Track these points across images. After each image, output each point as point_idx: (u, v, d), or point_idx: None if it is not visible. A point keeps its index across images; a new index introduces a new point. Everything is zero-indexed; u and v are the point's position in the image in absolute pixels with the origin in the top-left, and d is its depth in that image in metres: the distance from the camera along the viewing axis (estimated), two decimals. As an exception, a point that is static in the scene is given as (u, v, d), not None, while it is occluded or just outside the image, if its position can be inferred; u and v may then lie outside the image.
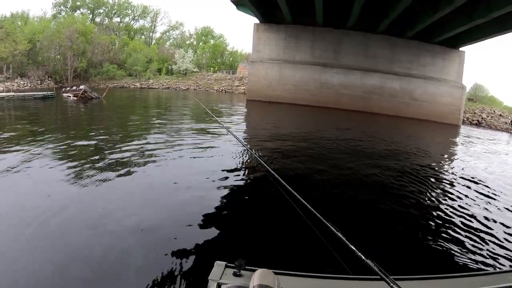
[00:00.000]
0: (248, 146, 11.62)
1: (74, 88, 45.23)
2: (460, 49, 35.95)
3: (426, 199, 8.96)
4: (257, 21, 38.46)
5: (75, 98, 38.98)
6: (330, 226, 3.51)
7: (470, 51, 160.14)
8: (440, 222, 7.41)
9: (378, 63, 35.30)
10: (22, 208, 6.92)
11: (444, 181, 11.41)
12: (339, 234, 3.40)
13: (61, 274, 4.84)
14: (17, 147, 12.96)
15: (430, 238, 6.64)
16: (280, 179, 5.38)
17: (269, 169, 6.05)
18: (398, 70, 35.11)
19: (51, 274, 4.86)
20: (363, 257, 2.91)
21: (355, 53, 35.73)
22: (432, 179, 11.17)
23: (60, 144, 14.17)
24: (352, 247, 3.15)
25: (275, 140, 15.94)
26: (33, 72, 68.03)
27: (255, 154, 8.43)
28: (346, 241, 3.28)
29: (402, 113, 34.49)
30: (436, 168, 13.40)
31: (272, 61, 37.95)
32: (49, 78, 69.05)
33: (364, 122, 28.64)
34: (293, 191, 4.82)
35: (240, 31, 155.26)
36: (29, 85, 65.08)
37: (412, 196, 8.97)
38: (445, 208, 8.24)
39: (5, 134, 16.54)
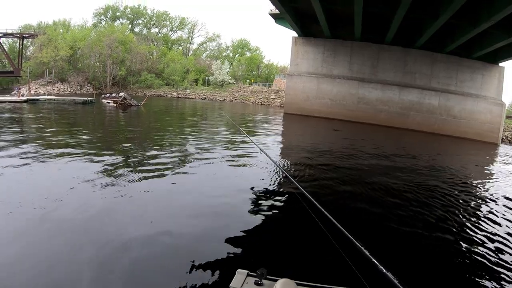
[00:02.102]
0: (280, 164, 12.21)
1: (114, 95, 46.54)
2: (500, 64, 35.01)
3: (455, 221, 8.89)
4: (295, 34, 38.85)
5: (115, 105, 40.04)
6: (354, 241, 3.49)
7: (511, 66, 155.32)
8: (469, 245, 7.40)
9: (416, 78, 34.97)
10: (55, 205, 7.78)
11: (478, 202, 11.32)
12: (359, 245, 3.41)
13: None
14: (61, 149, 14.17)
15: (458, 261, 6.74)
16: (305, 192, 5.43)
17: (296, 182, 6.17)
18: (437, 86, 34.61)
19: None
20: (385, 270, 2.94)
21: (393, 68, 35.53)
22: (466, 201, 11.02)
23: (98, 147, 15.39)
24: (374, 260, 3.13)
25: (311, 155, 16.21)
26: (73, 77, 70.83)
27: (285, 171, 8.63)
28: (367, 253, 3.27)
29: (440, 130, 33.95)
30: (472, 190, 13.20)
31: (310, 74, 38.27)
32: (88, 84, 71.78)
33: (401, 139, 28.76)
34: (315, 201, 4.89)
35: (277, 44, 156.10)
36: (69, 90, 67.69)
37: (443, 217, 8.97)
38: (477, 230, 8.21)
39: (47, 134, 17.85)
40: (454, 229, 8.23)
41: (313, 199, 4.99)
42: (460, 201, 10.84)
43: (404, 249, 6.93)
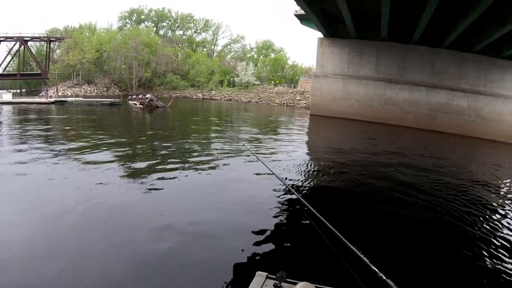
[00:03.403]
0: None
1: (140, 96, 47.52)
2: (531, 64, 34.09)
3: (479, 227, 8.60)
4: (320, 35, 38.88)
5: (141, 106, 40.81)
6: (354, 248, 3.60)
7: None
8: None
9: (444, 79, 34.38)
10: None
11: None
12: (358, 252, 3.52)
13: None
14: (89, 149, 14.71)
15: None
16: (305, 202, 5.64)
17: (300, 198, 6.24)
18: (465, 86, 33.87)
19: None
20: (389, 281, 2.96)
21: (420, 68, 35.05)
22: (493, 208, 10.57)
23: (126, 147, 15.98)
24: (372, 266, 3.23)
25: (340, 159, 16.41)
26: (99, 79, 72.45)
27: (293, 190, 8.79)
28: (367, 260, 3.37)
29: (469, 132, 33.12)
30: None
31: (336, 76, 38.29)
32: (115, 86, 73.24)
33: (429, 142, 28.55)
34: (318, 215, 4.91)
35: (301, 45, 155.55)
36: (96, 92, 69.31)
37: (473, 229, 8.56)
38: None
39: (76, 135, 18.45)
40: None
41: (316, 213, 5.07)
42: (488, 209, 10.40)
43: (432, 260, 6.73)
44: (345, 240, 3.93)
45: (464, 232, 8.43)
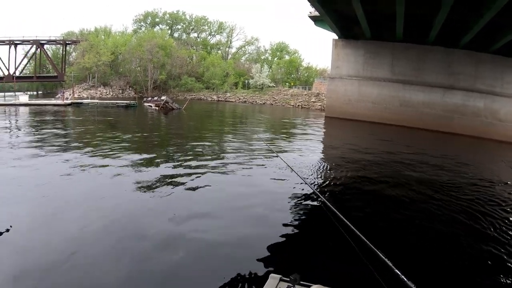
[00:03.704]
0: (309, 180, 12.32)
1: (155, 98, 47.84)
2: (549, 65, 33.55)
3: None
4: (335, 36, 38.83)
5: (157, 108, 41.02)
6: (376, 250, 3.62)
7: None
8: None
9: (461, 80, 33.96)
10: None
11: None
12: (381, 254, 3.54)
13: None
14: (106, 151, 14.93)
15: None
16: (331, 206, 5.59)
17: (321, 197, 6.48)
18: (481, 87, 33.40)
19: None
20: (405, 279, 3.01)
21: (436, 69, 34.72)
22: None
23: (143, 147, 16.12)
24: (396, 270, 3.22)
25: (356, 162, 16.48)
26: (115, 81, 73.19)
27: (310, 185, 8.65)
28: (388, 262, 3.37)
29: (486, 135, 32.46)
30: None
31: (351, 77, 38.15)
32: (130, 88, 73.89)
33: (446, 144, 28.39)
34: (343, 217, 4.91)
35: (316, 46, 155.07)
36: (111, 94, 70.10)
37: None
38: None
39: (92, 136, 18.69)
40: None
41: (337, 211, 5.12)
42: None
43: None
44: (367, 241, 3.94)
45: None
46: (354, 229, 4.24)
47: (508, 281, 6.05)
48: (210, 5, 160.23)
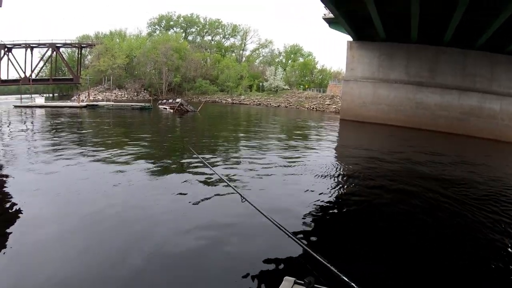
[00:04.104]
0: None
1: (170, 101, 48.13)
2: None
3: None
4: (350, 38, 38.79)
5: (172, 111, 41.27)
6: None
7: None
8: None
9: (476, 81, 33.58)
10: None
11: None
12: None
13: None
14: (123, 153, 15.11)
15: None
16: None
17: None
18: (498, 89, 32.95)
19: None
20: None
21: (451, 71, 34.38)
22: None
23: (161, 149, 16.24)
24: None
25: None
26: (130, 84, 73.84)
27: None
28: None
29: (502, 137, 31.97)
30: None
31: (366, 79, 38.07)
32: (145, 91, 74.72)
33: (463, 146, 28.09)
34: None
35: (330, 49, 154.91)
36: (126, 96, 70.74)
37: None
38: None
39: (109, 138, 18.88)
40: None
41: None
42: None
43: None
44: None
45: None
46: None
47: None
48: (198, 4, 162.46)
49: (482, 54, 32.80)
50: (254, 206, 5.06)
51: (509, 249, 7.77)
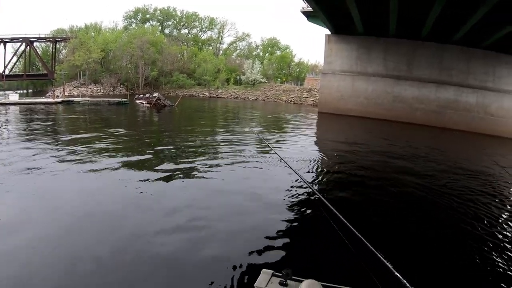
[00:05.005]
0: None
1: (147, 95, 47.78)
2: (540, 59, 33.70)
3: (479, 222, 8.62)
4: (328, 32, 38.78)
5: (149, 105, 40.91)
6: (371, 246, 3.56)
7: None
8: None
9: (453, 75, 34.06)
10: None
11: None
12: (376, 252, 3.46)
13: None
14: (98, 150, 14.93)
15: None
16: (327, 202, 5.49)
17: (318, 194, 6.46)
18: (473, 82, 33.55)
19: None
20: (400, 276, 2.96)
21: (429, 64, 34.80)
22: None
23: (138, 145, 16.17)
24: (389, 266, 3.18)
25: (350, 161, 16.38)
26: (106, 79, 72.97)
27: (308, 183, 8.66)
28: (382, 258, 3.31)
29: (477, 129, 32.47)
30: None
31: (344, 73, 38.14)
32: (121, 85, 73.87)
33: (437, 139, 28.43)
34: (335, 211, 4.84)
35: (307, 42, 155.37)
36: (102, 91, 69.80)
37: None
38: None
39: (84, 135, 18.62)
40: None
41: (330, 206, 5.07)
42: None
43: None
44: (364, 239, 3.90)
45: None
46: (351, 227, 4.18)
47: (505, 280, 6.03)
48: (197, 4, 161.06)
49: (458, 49, 33.24)
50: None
51: (481, 231, 8.15)
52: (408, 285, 2.88)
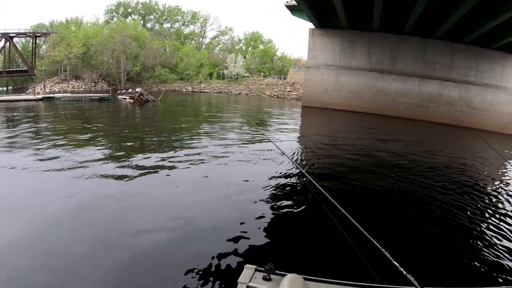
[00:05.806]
0: (296, 157, 12.39)
1: (130, 90, 47.38)
2: (521, 54, 34.06)
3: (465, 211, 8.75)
4: (312, 25, 38.68)
5: (131, 101, 40.58)
6: (366, 233, 3.29)
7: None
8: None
9: (436, 69, 34.36)
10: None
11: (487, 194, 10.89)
12: (373, 240, 3.18)
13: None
14: (82, 146, 14.67)
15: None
16: (317, 185, 5.08)
17: (308, 176, 6.32)
18: (456, 77, 33.86)
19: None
20: (398, 265, 2.79)
21: (412, 59, 34.99)
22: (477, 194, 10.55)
23: (121, 140, 16.00)
24: (387, 254, 2.95)
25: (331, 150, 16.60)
26: (87, 74, 72.01)
27: (297, 165, 8.57)
28: (380, 247, 3.07)
29: (460, 123, 31.25)
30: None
31: (328, 67, 38.11)
32: (103, 81, 73.09)
33: (419, 132, 28.66)
34: (326, 194, 4.48)
35: (290, 36, 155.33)
36: (84, 87, 68.87)
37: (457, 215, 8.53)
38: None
39: (66, 131, 18.28)
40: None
41: (324, 191, 4.84)
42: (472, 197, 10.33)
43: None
44: (361, 228, 3.70)
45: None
46: (348, 215, 3.99)
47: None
48: (202, 3, 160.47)
49: (442, 43, 33.52)
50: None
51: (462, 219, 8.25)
52: (404, 272, 2.72)
